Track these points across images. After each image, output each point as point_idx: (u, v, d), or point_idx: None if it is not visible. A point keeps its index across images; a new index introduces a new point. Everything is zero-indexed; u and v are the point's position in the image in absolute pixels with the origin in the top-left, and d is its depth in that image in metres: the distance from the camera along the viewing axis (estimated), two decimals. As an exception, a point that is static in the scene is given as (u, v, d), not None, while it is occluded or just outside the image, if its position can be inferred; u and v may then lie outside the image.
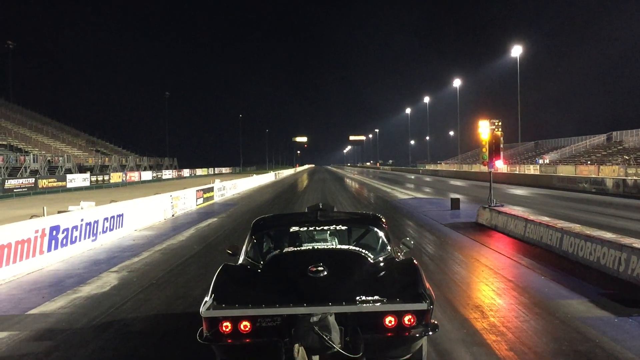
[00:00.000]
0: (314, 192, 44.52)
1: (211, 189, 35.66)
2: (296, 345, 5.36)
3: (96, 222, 17.05)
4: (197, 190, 31.70)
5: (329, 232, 7.56)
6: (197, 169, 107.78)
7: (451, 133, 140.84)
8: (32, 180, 47.58)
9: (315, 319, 5.42)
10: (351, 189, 52.43)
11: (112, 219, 18.36)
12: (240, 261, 7.22)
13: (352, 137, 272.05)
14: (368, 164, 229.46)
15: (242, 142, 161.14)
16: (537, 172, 59.84)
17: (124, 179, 68.06)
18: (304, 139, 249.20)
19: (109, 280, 12.25)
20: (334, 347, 5.38)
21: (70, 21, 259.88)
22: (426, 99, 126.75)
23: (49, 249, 14.13)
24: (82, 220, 16.14)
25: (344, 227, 7.62)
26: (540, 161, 69.29)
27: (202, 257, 14.96)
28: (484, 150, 20.79)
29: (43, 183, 48.63)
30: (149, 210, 22.68)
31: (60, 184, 51.50)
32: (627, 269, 10.85)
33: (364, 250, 6.80)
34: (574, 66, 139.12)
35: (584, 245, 12.69)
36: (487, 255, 14.58)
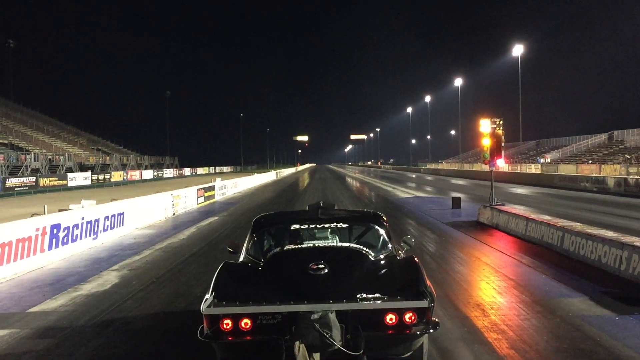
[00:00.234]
0: (315, 191, 44.51)
1: (212, 188, 35.66)
2: (297, 343, 5.36)
3: (97, 220, 17.05)
4: (198, 189, 31.70)
5: (329, 230, 7.55)
6: (198, 168, 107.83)
7: (452, 132, 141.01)
8: (33, 179, 47.61)
9: (316, 316, 5.42)
10: (352, 187, 52.43)
11: (113, 218, 18.36)
12: (241, 259, 7.22)
13: (353, 136, 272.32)
14: (369, 163, 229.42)
15: (243, 141, 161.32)
16: (539, 171, 59.83)
17: (125, 177, 68.09)
18: (305, 138, 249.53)
19: (109, 278, 12.25)
20: (335, 345, 5.38)
21: (71, 20, 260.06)
22: (427, 98, 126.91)
23: (50, 247, 14.13)
24: (83, 218, 16.14)
25: (344, 225, 7.61)
26: (542, 160, 69.25)
27: (203, 256, 14.96)
28: (485, 148, 20.77)
29: (44, 182, 48.67)
30: (149, 208, 22.68)
31: (61, 182, 51.54)
32: (629, 267, 10.83)
33: (364, 248, 6.79)
34: (576, 65, 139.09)
35: (585, 243, 12.68)
36: (488, 253, 14.57)
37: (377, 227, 7.50)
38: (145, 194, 24.97)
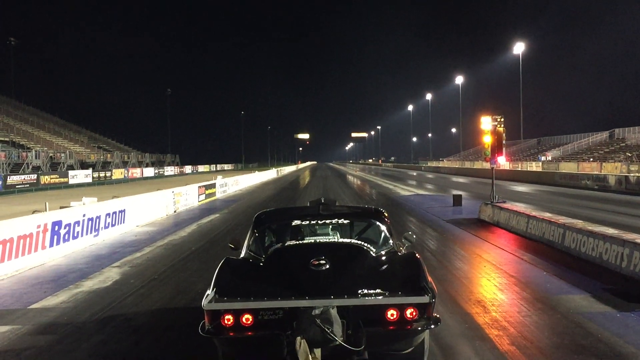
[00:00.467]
0: (316, 189, 44.51)
1: (213, 186, 35.66)
2: (298, 338, 5.36)
3: (98, 217, 17.06)
4: (199, 187, 31.70)
5: (331, 226, 7.56)
6: (199, 166, 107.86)
7: (453, 130, 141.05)
8: (34, 176, 47.64)
9: (317, 311, 5.43)
10: (353, 185, 52.43)
11: (114, 215, 18.37)
12: (242, 255, 7.22)
13: (354, 134, 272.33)
14: (370, 160, 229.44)
15: (244, 139, 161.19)
16: (540, 169, 59.82)
17: (126, 175, 68.12)
18: (306, 136, 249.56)
19: (110, 275, 12.26)
20: (336, 340, 5.38)
21: (72, 18, 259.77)
22: (428, 96, 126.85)
23: (51, 244, 14.15)
24: (84, 215, 16.15)
25: (346, 221, 7.61)
26: (543, 158, 69.24)
27: (203, 253, 14.97)
28: (486, 146, 20.76)
29: (45, 179, 48.70)
30: (150, 206, 22.69)
31: (62, 180, 51.56)
32: (630, 264, 10.83)
33: (365, 244, 6.80)
34: (577, 63, 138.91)
35: (586, 241, 12.67)
36: (489, 250, 14.57)
37: (378, 223, 7.50)
38: (146, 192, 24.97)
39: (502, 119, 20.61)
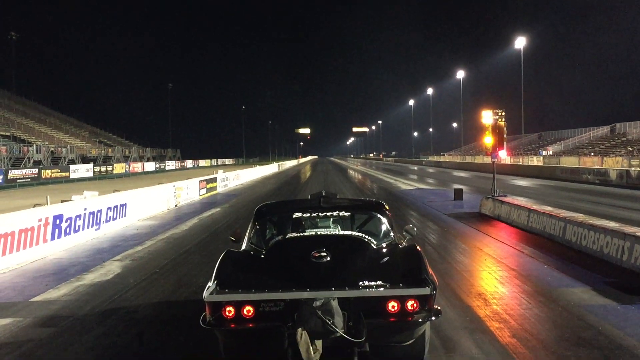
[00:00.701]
0: (317, 183, 44.50)
1: (214, 180, 35.66)
2: (299, 330, 5.36)
3: (99, 211, 17.07)
4: (200, 181, 31.71)
5: (332, 218, 7.56)
6: (200, 160, 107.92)
7: (454, 125, 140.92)
8: (35, 170, 47.68)
9: (318, 303, 5.43)
10: (354, 179, 52.43)
11: (116, 209, 18.38)
12: (243, 247, 7.23)
13: (355, 129, 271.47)
14: (371, 155, 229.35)
15: (245, 134, 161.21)
16: (541, 164, 59.76)
17: (127, 169, 68.17)
18: (307, 131, 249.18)
19: (112, 268, 12.28)
20: (337, 332, 5.38)
21: (73, 13, 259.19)
22: (429, 91, 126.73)
23: (53, 238, 14.16)
24: (85, 209, 16.16)
25: (347, 214, 7.61)
26: (544, 152, 69.23)
27: (205, 247, 14.98)
28: (487, 140, 20.72)
29: (46, 174, 48.74)
30: (152, 200, 22.70)
31: (63, 174, 51.59)
32: (631, 257, 10.83)
33: (366, 236, 6.80)
34: (578, 57, 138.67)
35: (587, 234, 12.67)
36: (490, 244, 14.57)
37: (379, 215, 7.51)
38: (148, 186, 24.98)
39: (503, 113, 20.55)
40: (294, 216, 7.46)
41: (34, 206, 15.91)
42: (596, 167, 45.07)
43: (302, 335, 5.34)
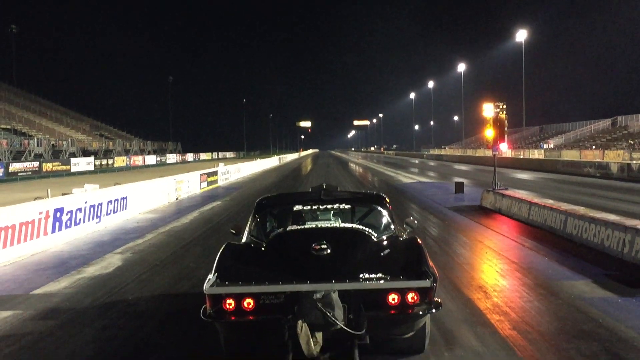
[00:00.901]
0: (318, 177, 44.49)
1: (215, 173, 35.66)
2: (299, 322, 5.37)
3: (100, 204, 17.07)
4: (201, 174, 31.71)
5: (332, 211, 7.55)
6: (201, 154, 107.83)
7: (455, 118, 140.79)
8: (36, 164, 47.67)
9: (318, 295, 5.43)
10: (355, 173, 52.42)
11: (116, 202, 18.38)
12: (243, 240, 7.23)
13: (356, 122, 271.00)
14: (372, 148, 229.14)
15: (246, 127, 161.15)
16: (542, 157, 59.70)
17: (128, 163, 68.18)
18: (307, 124, 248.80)
19: (112, 261, 12.28)
20: (337, 324, 5.39)
21: (73, 5, 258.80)
22: (430, 84, 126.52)
23: (53, 231, 14.17)
24: (86, 202, 16.16)
25: (347, 206, 7.61)
26: (545, 146, 69.15)
27: (205, 240, 14.99)
28: (488, 133, 20.69)
29: (47, 167, 48.73)
30: (152, 193, 22.69)
31: (64, 167, 51.57)
32: (632, 250, 10.81)
33: (367, 229, 6.80)
34: (580, 50, 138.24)
35: (588, 227, 12.66)
36: (491, 237, 14.57)
37: (380, 208, 7.50)
38: (148, 179, 24.97)
39: (504, 106, 20.52)
40: (295, 209, 7.45)
41: (35, 199, 15.89)
42: (597, 160, 45.01)
43: (302, 328, 5.35)
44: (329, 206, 7.54)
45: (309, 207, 7.50)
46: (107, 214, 17.55)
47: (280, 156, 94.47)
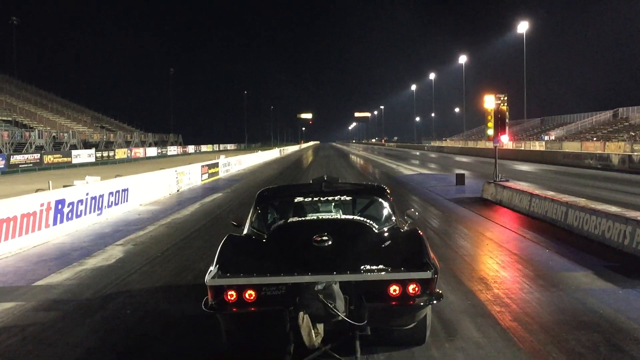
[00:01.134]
0: (319, 168, 44.50)
1: (216, 165, 35.67)
2: (301, 313, 5.38)
3: (101, 196, 17.08)
4: (202, 166, 31.72)
5: (333, 203, 7.55)
6: (202, 146, 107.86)
7: (456, 110, 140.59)
8: (37, 155, 47.69)
9: (319, 287, 5.44)
10: (356, 165, 52.42)
11: (117, 194, 18.39)
12: (244, 232, 7.24)
13: (357, 114, 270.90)
14: (373, 140, 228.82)
15: (247, 119, 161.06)
16: (543, 149, 59.66)
17: (129, 155, 68.21)
18: (308, 116, 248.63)
19: (114, 253, 12.31)
20: (339, 315, 5.40)
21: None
22: (432, 76, 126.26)
23: (55, 223, 14.18)
24: (87, 194, 16.17)
25: (348, 198, 7.61)
26: (546, 137, 69.10)
27: (206, 231, 15.00)
28: (489, 124, 20.67)
29: (48, 159, 48.76)
30: (154, 185, 22.71)
31: (65, 159, 51.60)
32: (632, 242, 10.82)
33: (368, 221, 6.80)
34: (581, 42, 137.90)
35: (589, 219, 12.66)
36: (492, 229, 14.58)
37: (381, 200, 7.50)
38: (150, 171, 24.97)
39: (506, 98, 20.48)
40: (296, 201, 7.46)
41: (36, 191, 15.90)
42: (598, 152, 44.99)
43: (303, 319, 5.36)
44: (330, 198, 7.55)
45: (310, 199, 7.50)
46: (109, 206, 17.57)
47: (282, 148, 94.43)
